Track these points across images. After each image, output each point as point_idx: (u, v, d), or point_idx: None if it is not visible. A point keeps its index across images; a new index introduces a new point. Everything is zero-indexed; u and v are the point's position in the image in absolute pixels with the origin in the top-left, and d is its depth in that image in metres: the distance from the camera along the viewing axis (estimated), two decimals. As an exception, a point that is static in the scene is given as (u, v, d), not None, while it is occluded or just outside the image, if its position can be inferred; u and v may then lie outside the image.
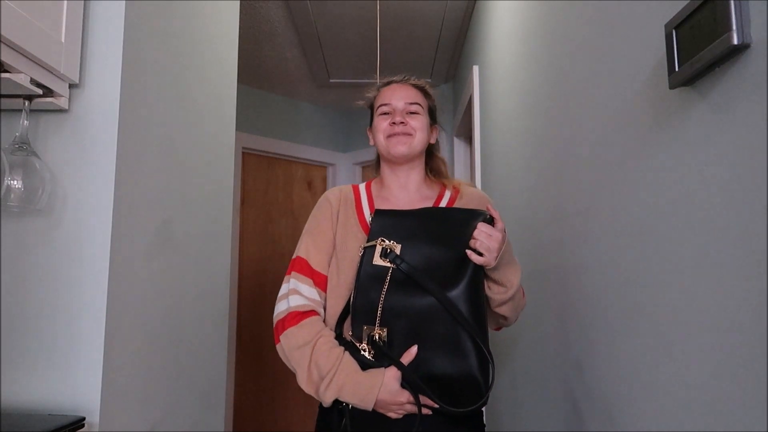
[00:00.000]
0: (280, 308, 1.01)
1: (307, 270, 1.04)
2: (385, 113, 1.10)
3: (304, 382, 0.95)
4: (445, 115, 3.27)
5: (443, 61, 2.99)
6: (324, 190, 3.77)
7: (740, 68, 0.57)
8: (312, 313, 1.00)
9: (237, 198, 3.13)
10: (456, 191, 1.14)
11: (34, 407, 0.97)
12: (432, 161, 1.17)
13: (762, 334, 0.53)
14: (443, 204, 1.12)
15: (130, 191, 1.07)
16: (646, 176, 0.78)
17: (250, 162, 3.33)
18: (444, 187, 1.15)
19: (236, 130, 1.68)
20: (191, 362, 1.35)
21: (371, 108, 1.16)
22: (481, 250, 0.94)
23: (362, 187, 1.16)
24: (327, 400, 0.92)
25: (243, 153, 3.25)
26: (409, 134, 1.08)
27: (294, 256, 1.07)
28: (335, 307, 1.02)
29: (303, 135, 3.60)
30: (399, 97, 1.10)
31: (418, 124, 1.09)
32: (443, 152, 3.57)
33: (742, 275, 0.56)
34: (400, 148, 1.07)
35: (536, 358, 1.39)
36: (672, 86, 0.67)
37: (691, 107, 0.66)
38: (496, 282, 1.01)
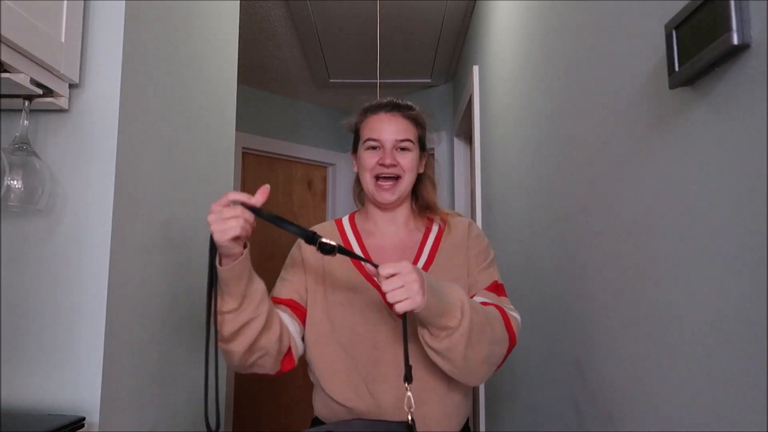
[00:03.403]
0: None
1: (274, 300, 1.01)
2: (372, 147, 1.01)
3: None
4: (445, 115, 3.27)
5: (443, 61, 2.99)
6: (324, 190, 3.76)
7: (740, 68, 0.57)
8: None
9: (237, 198, 3.13)
10: (444, 223, 1.07)
11: (34, 407, 0.96)
12: (420, 191, 1.09)
13: (762, 334, 0.53)
14: (431, 239, 1.05)
15: (130, 191, 1.07)
16: (646, 176, 0.78)
17: (250, 162, 3.33)
18: (431, 220, 1.08)
19: (236, 130, 1.68)
20: (191, 362, 1.35)
21: (356, 132, 1.07)
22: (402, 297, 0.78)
23: (346, 221, 1.11)
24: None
25: (243, 153, 3.25)
26: (398, 176, 1.01)
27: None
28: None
29: (303, 135, 3.60)
30: (389, 131, 0.99)
31: (409, 163, 1.01)
32: (443, 154, 3.51)
33: (742, 275, 0.56)
34: (386, 196, 1.01)
35: (536, 358, 1.39)
36: (672, 86, 0.67)
37: (691, 107, 0.66)
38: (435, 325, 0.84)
